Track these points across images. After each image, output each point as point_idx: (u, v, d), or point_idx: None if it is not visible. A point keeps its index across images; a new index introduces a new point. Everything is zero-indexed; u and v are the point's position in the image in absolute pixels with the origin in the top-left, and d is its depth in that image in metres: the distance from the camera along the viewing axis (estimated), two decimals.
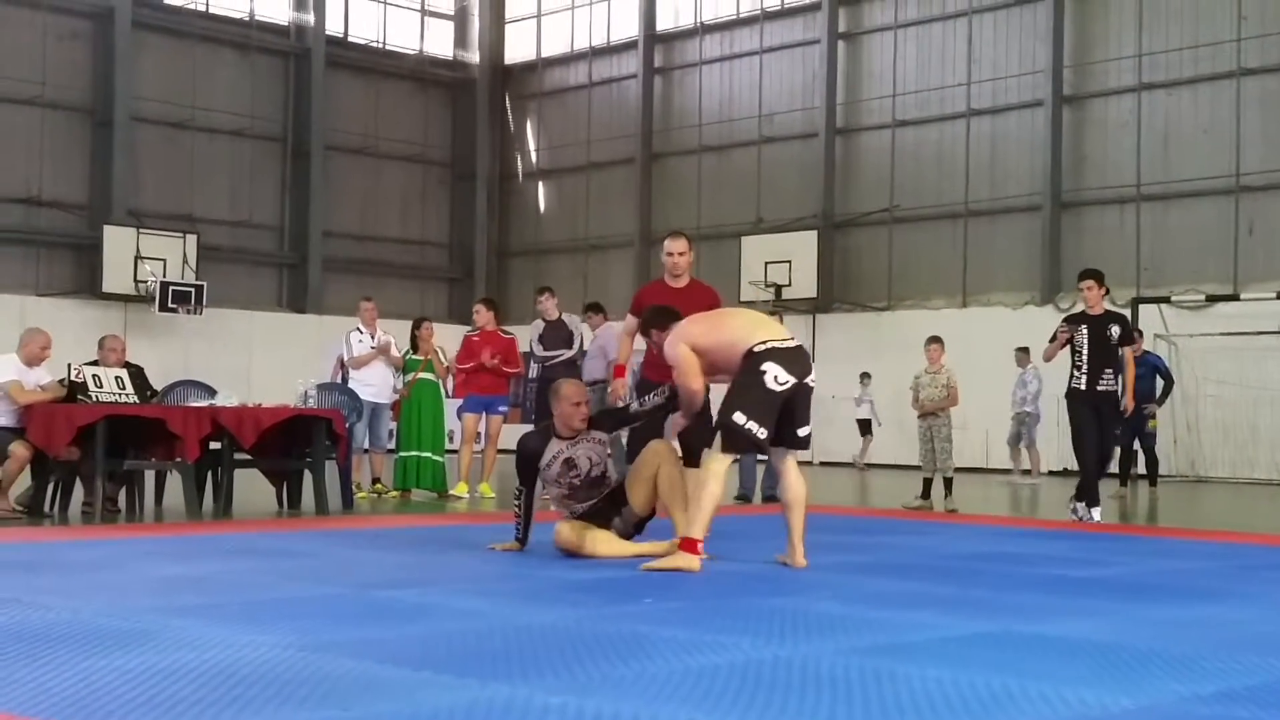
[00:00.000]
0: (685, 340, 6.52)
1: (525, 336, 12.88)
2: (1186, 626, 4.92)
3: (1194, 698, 3.57)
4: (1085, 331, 10.32)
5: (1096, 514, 10.20)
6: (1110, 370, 10.29)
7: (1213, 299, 19.63)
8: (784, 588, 5.77)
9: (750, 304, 23.38)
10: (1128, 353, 10.56)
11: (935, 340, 12.57)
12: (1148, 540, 8.80)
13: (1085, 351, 10.29)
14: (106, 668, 3.68)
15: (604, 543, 6.65)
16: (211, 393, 10.76)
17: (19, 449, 9.11)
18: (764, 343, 6.28)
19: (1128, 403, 10.52)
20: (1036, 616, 4.99)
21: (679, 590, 5.66)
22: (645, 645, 4.18)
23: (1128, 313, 17.75)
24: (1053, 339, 10.54)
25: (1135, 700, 3.50)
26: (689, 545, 6.19)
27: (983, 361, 19.01)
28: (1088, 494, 10.30)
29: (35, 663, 3.74)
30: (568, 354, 12.21)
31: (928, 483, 12.20)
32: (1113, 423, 10.44)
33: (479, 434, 12.59)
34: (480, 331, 12.45)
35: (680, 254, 7.99)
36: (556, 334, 12.39)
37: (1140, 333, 15.28)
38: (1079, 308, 11.05)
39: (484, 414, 12.41)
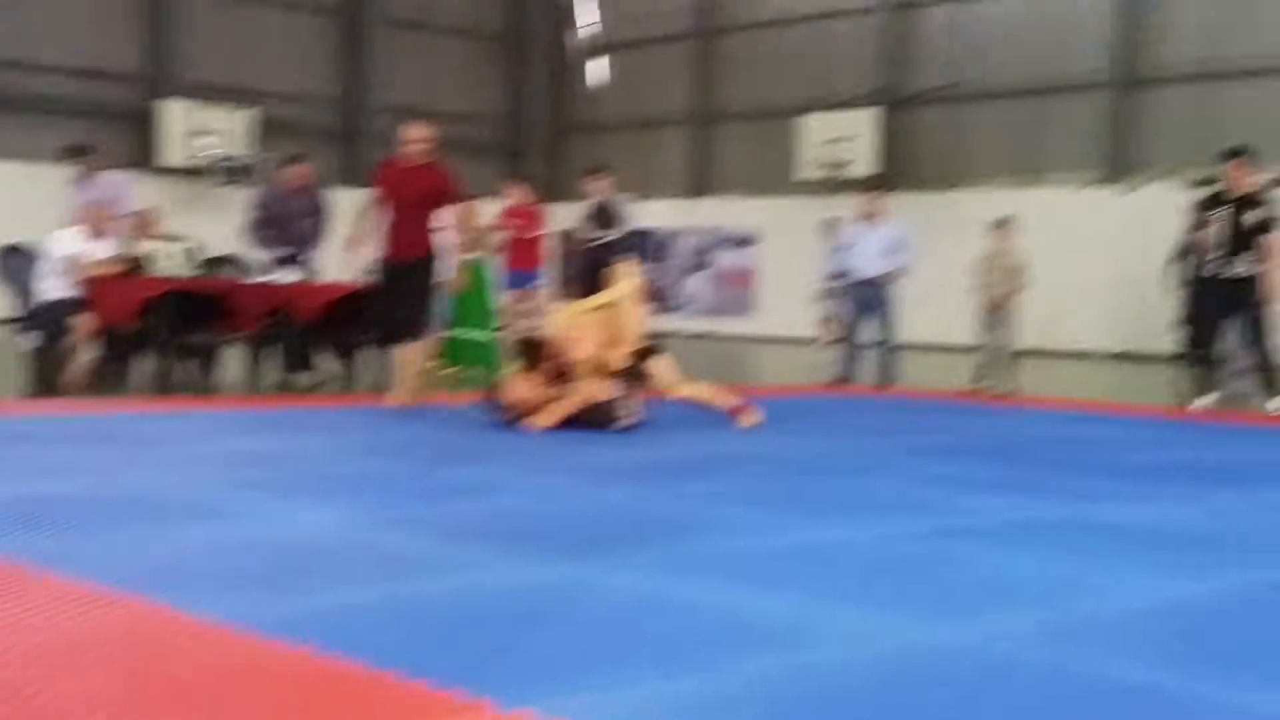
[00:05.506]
0: None
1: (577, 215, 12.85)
2: (1256, 512, 4.87)
3: (1262, 583, 3.54)
4: (1220, 214, 9.80)
5: (1200, 402, 9.87)
6: (1243, 256, 9.69)
7: None
8: (844, 468, 5.76)
9: (807, 183, 23.19)
10: (1273, 239, 9.71)
11: (1004, 222, 12.31)
12: (1217, 428, 8.68)
13: (1217, 234, 9.76)
14: (179, 540, 3.73)
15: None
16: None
17: (83, 321, 9.19)
18: None
19: (1269, 291, 9.59)
20: (1102, 501, 4.96)
21: (739, 470, 5.66)
22: (707, 525, 4.19)
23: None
24: (1192, 224, 10.14)
25: (1204, 585, 3.47)
26: (736, 410, 7.33)
27: (1047, 242, 18.73)
28: (1197, 383, 10.09)
29: (107, 533, 3.80)
30: (612, 235, 12.05)
31: (987, 365, 12.09)
32: (1243, 310, 9.73)
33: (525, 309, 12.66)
34: (512, 207, 12.62)
35: (417, 140, 8.86)
36: (604, 215, 12.29)
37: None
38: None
39: (522, 289, 12.55)
